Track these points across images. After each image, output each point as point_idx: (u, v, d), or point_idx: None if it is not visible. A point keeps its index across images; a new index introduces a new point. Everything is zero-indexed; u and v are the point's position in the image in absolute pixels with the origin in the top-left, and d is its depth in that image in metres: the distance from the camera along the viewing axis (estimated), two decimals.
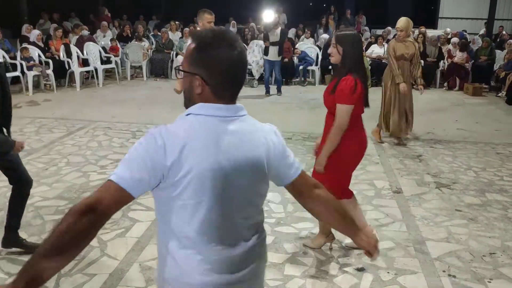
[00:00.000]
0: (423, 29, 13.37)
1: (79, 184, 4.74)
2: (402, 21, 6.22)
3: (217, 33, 1.44)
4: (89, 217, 1.30)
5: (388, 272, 3.24)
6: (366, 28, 16.73)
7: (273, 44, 9.79)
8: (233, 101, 1.48)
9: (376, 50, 11.85)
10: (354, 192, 4.57)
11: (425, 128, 7.38)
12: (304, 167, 5.23)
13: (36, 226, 3.82)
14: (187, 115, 1.45)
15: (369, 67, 11.41)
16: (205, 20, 5.73)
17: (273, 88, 10.27)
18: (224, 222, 1.44)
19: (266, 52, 9.99)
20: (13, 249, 3.43)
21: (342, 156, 3.19)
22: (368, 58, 11.65)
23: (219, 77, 1.42)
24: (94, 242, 3.56)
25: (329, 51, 3.32)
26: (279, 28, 9.93)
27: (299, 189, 1.65)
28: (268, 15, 10.09)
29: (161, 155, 1.35)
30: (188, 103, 1.50)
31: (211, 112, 1.43)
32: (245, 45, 11.90)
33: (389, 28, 14.79)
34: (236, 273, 1.47)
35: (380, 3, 21.65)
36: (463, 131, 7.32)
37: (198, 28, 5.90)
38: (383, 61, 11.70)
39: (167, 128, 1.40)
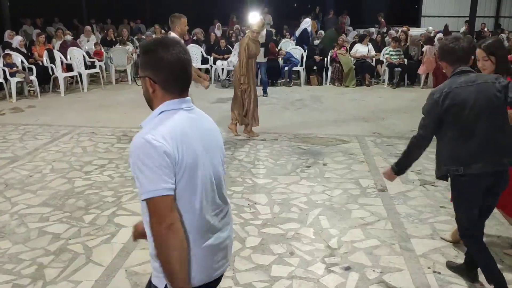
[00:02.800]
0: (405, 28, 13.52)
1: (64, 190, 4.70)
2: (259, 22, 6.55)
3: (158, 40, 1.73)
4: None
5: (373, 270, 3.27)
6: (350, 28, 16.84)
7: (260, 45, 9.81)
8: (185, 94, 1.75)
9: (360, 49, 11.93)
10: (339, 192, 4.67)
11: (409, 126, 7.43)
12: (290, 167, 5.20)
13: (21, 234, 3.78)
14: (160, 113, 1.69)
15: (353, 66, 11.50)
16: (183, 25, 5.72)
17: (258, 90, 10.26)
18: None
19: None
20: None
21: None
22: (352, 58, 11.73)
23: (163, 75, 1.68)
24: (79, 249, 3.54)
25: (480, 65, 3.15)
26: (265, 30, 9.96)
27: None
28: (254, 17, 10.11)
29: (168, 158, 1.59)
30: (149, 103, 1.77)
31: (177, 106, 1.71)
32: (230, 47, 11.93)
33: (372, 29, 14.94)
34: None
35: (357, 3, 21.76)
36: None
37: (173, 34, 5.77)
38: (367, 60, 11.81)
39: (159, 134, 1.60)
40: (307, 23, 13.48)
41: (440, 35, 11.84)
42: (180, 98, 1.72)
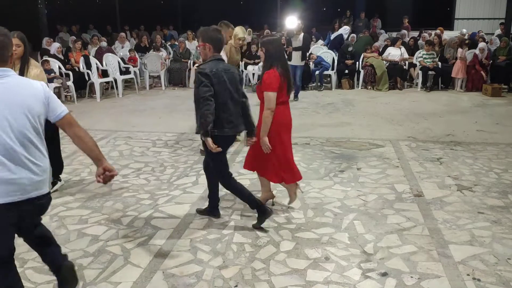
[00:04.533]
0: (438, 30, 13.30)
1: (101, 193, 4.81)
2: (243, 30, 6.59)
3: None
4: None
5: (411, 277, 3.22)
6: (382, 31, 16.66)
7: (296, 49, 9.96)
8: (1, 66, 2.38)
9: (392, 53, 11.79)
10: (374, 197, 4.62)
11: (445, 130, 7.32)
12: (323, 172, 5.18)
13: (61, 236, 3.88)
14: None
15: (386, 70, 11.37)
16: (228, 34, 5.90)
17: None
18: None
19: (289, 57, 10.18)
20: (38, 259, 3.49)
21: None
22: (384, 61, 11.61)
23: None
24: (117, 251, 3.61)
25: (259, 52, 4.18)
26: (302, 34, 10.03)
27: (63, 125, 2.56)
28: (291, 22, 10.25)
29: None
30: None
31: None
32: None
33: (404, 31, 14.73)
34: None
35: (388, 5, 21.48)
36: (483, 132, 7.23)
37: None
38: (399, 63, 11.66)
39: None
40: (345, 30, 13.47)
41: (482, 44, 11.55)
42: None
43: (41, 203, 2.53)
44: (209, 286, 3.14)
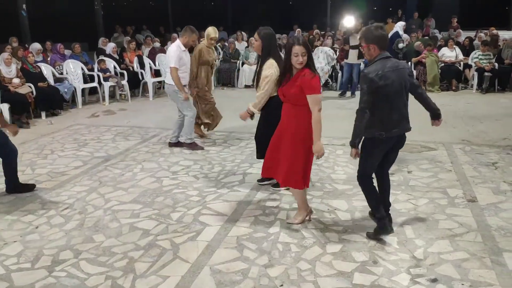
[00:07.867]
0: (494, 30, 12.76)
1: (152, 189, 4.95)
2: (215, 30, 6.72)
3: None
4: None
5: (462, 284, 3.12)
6: (436, 31, 16.19)
7: (353, 47, 10.05)
8: None
9: (447, 54, 11.43)
10: (425, 201, 4.51)
11: (501, 133, 7.02)
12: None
13: (113, 229, 4.03)
14: None
15: (439, 71, 11.05)
16: (192, 39, 6.35)
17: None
18: None
19: (346, 55, 10.49)
20: (91, 251, 3.65)
21: None
22: (439, 62, 11.28)
23: None
24: (167, 245, 3.71)
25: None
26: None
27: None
28: (349, 21, 10.42)
29: None
30: None
31: None
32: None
33: (460, 30, 14.25)
34: None
35: (442, 5, 20.81)
36: None
37: (178, 41, 6.24)
38: (454, 64, 11.30)
39: None
40: (399, 27, 13.22)
41: None
42: None
43: None
44: (255, 284, 3.17)
